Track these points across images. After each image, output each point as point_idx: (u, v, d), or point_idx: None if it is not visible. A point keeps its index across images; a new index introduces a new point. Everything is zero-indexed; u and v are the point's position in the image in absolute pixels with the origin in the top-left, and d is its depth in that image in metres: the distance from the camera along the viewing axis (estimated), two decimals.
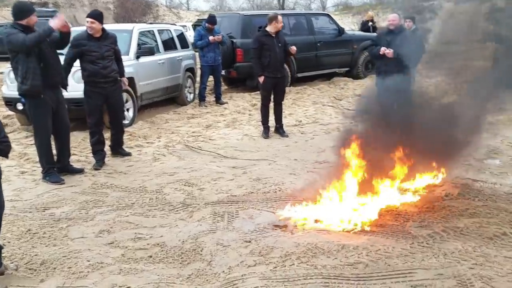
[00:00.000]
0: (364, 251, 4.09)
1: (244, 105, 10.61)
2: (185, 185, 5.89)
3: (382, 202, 5.00)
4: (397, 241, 4.29)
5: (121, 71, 6.91)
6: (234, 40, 11.63)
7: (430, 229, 4.49)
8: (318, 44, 12.78)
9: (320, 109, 10.04)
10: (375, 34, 13.87)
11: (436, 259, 3.93)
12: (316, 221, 4.73)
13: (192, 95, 11.36)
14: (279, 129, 8.16)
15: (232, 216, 4.95)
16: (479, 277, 3.61)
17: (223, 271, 3.85)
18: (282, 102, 8.19)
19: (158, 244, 4.39)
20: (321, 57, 12.77)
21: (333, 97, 11.05)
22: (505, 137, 7.58)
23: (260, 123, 8.36)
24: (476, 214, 4.78)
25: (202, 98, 10.78)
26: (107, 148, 7.03)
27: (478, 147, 6.19)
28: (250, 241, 4.37)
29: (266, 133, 8.06)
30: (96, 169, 6.51)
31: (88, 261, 4.07)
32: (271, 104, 8.12)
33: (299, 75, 12.52)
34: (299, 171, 6.35)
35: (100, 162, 6.63)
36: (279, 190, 5.64)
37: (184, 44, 11.26)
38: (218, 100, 10.83)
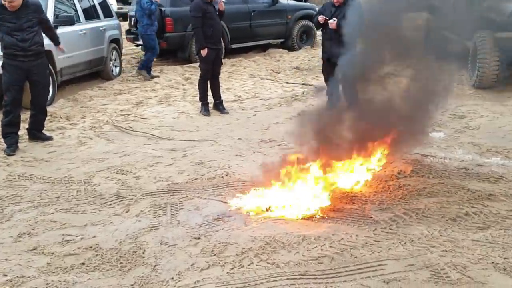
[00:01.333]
0: (327, 242, 3.72)
1: (176, 79, 9.90)
2: (117, 173, 5.23)
3: (336, 184, 4.64)
4: (359, 228, 3.96)
5: (55, 40, 6.47)
6: (163, 9, 10.77)
7: (391, 212, 4.20)
8: (252, 14, 12.20)
9: (258, 83, 9.56)
10: (308, 3, 13.51)
11: (404, 247, 3.63)
12: (269, 209, 4.28)
13: (118, 69, 10.46)
14: (219, 106, 7.60)
15: (176, 208, 4.40)
16: (453, 266, 3.34)
17: (172, 278, 3.32)
18: (219, 76, 7.60)
19: (91, 247, 3.76)
20: (255, 27, 12.23)
21: (270, 70, 10.60)
22: (445, 109, 7.49)
23: (197, 99, 7.75)
24: (434, 193, 4.56)
25: (149, 69, 10.05)
26: (23, 132, 6.15)
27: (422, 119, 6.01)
28: (199, 238, 3.86)
29: (205, 110, 7.48)
30: (9, 155, 5.66)
31: (5, 275, 3.38)
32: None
33: (233, 46, 11.93)
34: (244, 152, 5.87)
35: (12, 147, 5.79)
36: (226, 175, 5.13)
37: (108, 13, 10.27)
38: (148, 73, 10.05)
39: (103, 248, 3.74)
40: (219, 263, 3.48)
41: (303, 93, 8.64)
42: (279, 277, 3.27)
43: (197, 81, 9.25)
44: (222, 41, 7.34)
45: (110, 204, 4.50)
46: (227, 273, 3.34)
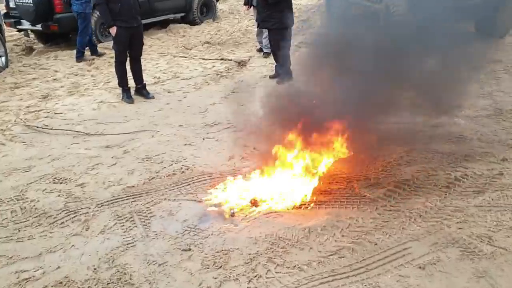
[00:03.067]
0: (336, 232, 3.36)
1: (78, 65, 8.75)
2: (54, 183, 4.36)
3: (313, 165, 4.27)
4: (360, 210, 3.66)
5: None
6: None
7: (382, 187, 3.97)
8: None
9: (173, 62, 8.80)
10: None
11: (416, 224, 3.40)
12: (255, 203, 3.80)
13: (3, 59, 8.96)
14: (142, 90, 6.80)
15: (145, 216, 3.74)
16: (477, 238, 3.18)
17: None
18: (141, 57, 6.78)
19: (60, 282, 3.02)
20: (154, 2, 11.26)
21: (182, 47, 9.84)
22: None
23: (111, 85, 6.89)
24: (413, 161, 4.41)
25: (95, 48, 9.21)
26: None
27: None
28: (190, 249, 3.29)
29: (128, 97, 6.64)
30: None
31: None
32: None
33: None
34: (193, 139, 5.26)
35: None
36: (186, 169, 4.52)
37: None
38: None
39: (76, 281, 3.02)
40: (231, 277, 2.96)
41: (228, 69, 8.09)
42: (309, 282, 2.85)
43: (104, 66, 8.33)
44: (139, 18, 6.47)
45: (62, 223, 3.70)
46: None
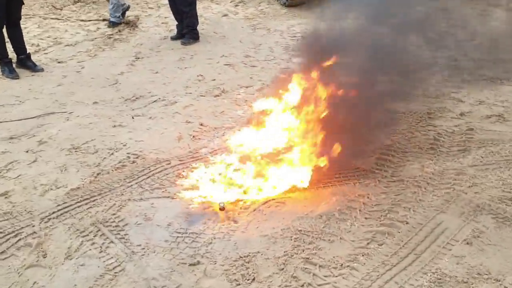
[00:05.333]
0: (357, 214, 3.00)
1: None
2: None
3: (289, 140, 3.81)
4: (362, 184, 3.34)
5: None
6: None
7: (369, 156, 3.68)
8: None
9: (45, 25, 7.36)
10: None
11: (431, 194, 3.18)
12: (222, 208, 3.15)
13: None
14: (27, 62, 5.52)
15: (116, 226, 2.94)
16: (500, 201, 3.06)
17: None
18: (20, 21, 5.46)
19: None
20: None
21: (51, 6, 8.28)
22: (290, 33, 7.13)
23: None
24: (381, 124, 4.17)
25: None
26: None
27: None
28: (198, 262, 2.64)
29: (10, 71, 5.33)
30: None
31: None
32: None
33: None
34: (120, 119, 4.39)
35: None
36: (136, 157, 3.71)
37: None
38: None
39: None
40: None
41: (119, 32, 7.01)
42: (372, 282, 2.44)
43: None
44: None
45: (3, 252, 2.72)
46: None
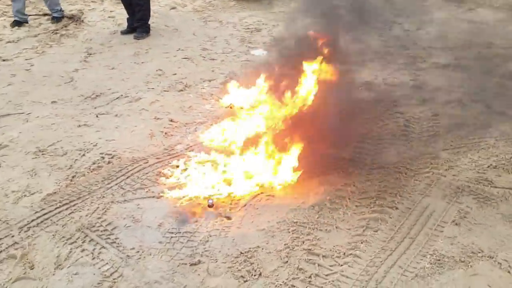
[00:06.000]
0: (347, 203, 3.03)
1: None
2: None
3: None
4: (347, 173, 3.39)
5: None
6: None
7: (345, 144, 3.72)
8: None
9: None
10: None
11: (411, 178, 3.29)
12: (211, 205, 3.11)
13: None
14: None
15: (104, 231, 2.82)
16: (477, 182, 3.23)
17: None
18: None
19: None
20: None
21: None
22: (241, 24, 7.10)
23: None
24: (350, 113, 4.26)
25: None
26: None
27: None
28: (199, 261, 2.59)
29: None
30: None
31: None
32: None
33: None
34: (84, 118, 4.20)
35: None
36: (110, 157, 3.56)
37: None
38: None
39: None
40: (282, 285, 2.40)
41: (64, 27, 6.66)
42: (377, 268, 2.49)
43: None
44: None
45: None
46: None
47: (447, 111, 4.24)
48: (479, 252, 2.60)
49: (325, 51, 3.80)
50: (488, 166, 3.38)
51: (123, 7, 6.44)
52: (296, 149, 3.38)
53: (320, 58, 3.62)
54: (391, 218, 2.88)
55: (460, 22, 6.89)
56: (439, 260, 2.54)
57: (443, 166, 3.40)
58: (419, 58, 5.60)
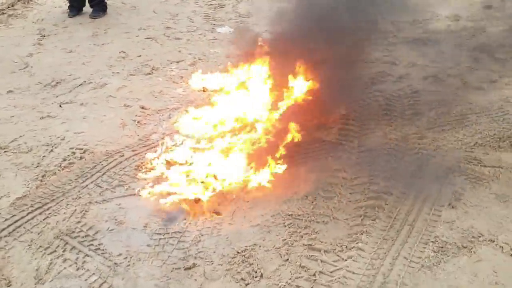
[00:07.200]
0: (341, 190, 2.93)
1: None
2: None
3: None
4: (335, 158, 3.26)
5: None
6: None
7: (330, 127, 3.63)
8: None
9: None
10: None
11: (400, 160, 3.21)
12: (197, 200, 2.91)
13: None
14: None
15: (85, 236, 2.59)
16: (466, 161, 3.18)
17: None
18: None
19: None
20: None
21: None
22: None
23: None
24: (327, 93, 4.14)
25: None
26: None
27: None
28: (194, 264, 2.42)
29: None
30: None
31: None
32: None
33: None
34: (46, 109, 3.89)
35: None
36: (82, 152, 3.30)
37: None
38: None
39: None
40: (285, 285, 2.27)
41: (11, 6, 6.14)
42: (382, 260, 2.41)
43: None
44: None
45: None
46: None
47: (425, 88, 4.18)
48: (480, 236, 2.55)
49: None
50: (474, 144, 3.34)
51: None
52: (279, 136, 3.23)
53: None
54: (387, 204, 2.79)
55: None
56: (442, 247, 2.48)
57: (431, 146, 3.34)
58: (389, 33, 5.50)
